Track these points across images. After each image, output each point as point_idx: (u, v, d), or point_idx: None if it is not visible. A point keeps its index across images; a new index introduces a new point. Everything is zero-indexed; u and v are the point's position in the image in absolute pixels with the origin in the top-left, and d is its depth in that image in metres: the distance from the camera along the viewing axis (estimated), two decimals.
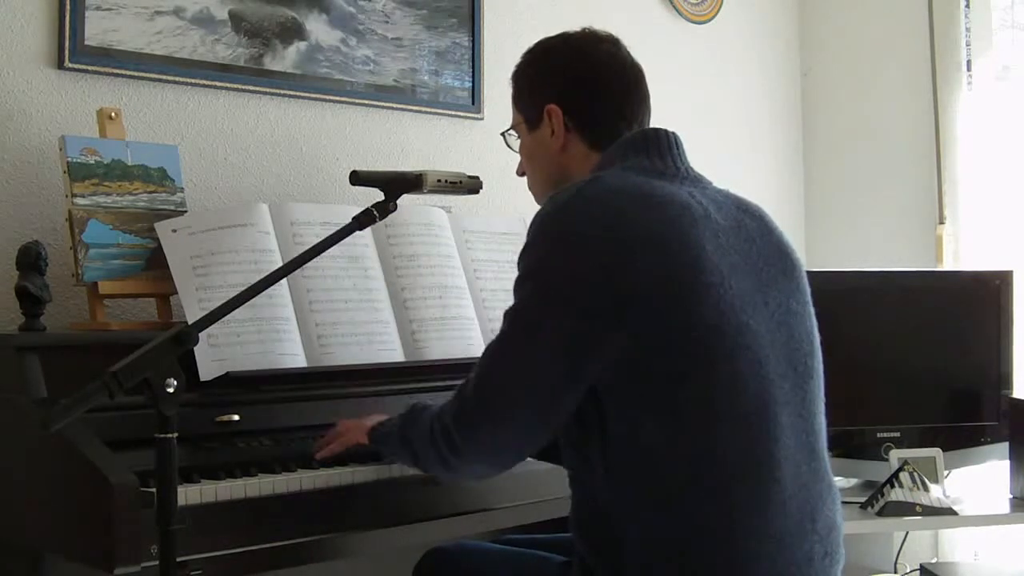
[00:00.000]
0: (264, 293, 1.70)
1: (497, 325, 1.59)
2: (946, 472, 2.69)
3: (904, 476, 2.55)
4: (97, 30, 2.25)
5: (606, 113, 1.72)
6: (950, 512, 2.53)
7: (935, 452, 2.67)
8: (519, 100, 1.82)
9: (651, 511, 1.48)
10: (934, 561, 3.00)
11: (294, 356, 2.01)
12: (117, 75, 2.29)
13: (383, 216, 1.86)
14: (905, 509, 2.51)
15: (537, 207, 1.62)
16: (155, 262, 2.04)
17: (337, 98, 2.63)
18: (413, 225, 2.27)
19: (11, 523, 1.82)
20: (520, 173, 1.86)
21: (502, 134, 1.88)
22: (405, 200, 1.94)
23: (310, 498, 1.78)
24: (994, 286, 2.86)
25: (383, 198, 1.88)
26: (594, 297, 1.48)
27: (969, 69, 3.36)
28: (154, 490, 1.44)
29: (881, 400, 2.83)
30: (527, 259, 1.56)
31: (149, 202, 2.10)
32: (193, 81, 2.40)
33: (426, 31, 2.79)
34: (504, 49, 2.78)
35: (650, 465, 1.48)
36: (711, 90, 3.52)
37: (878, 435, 2.77)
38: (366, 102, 2.68)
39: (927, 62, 3.45)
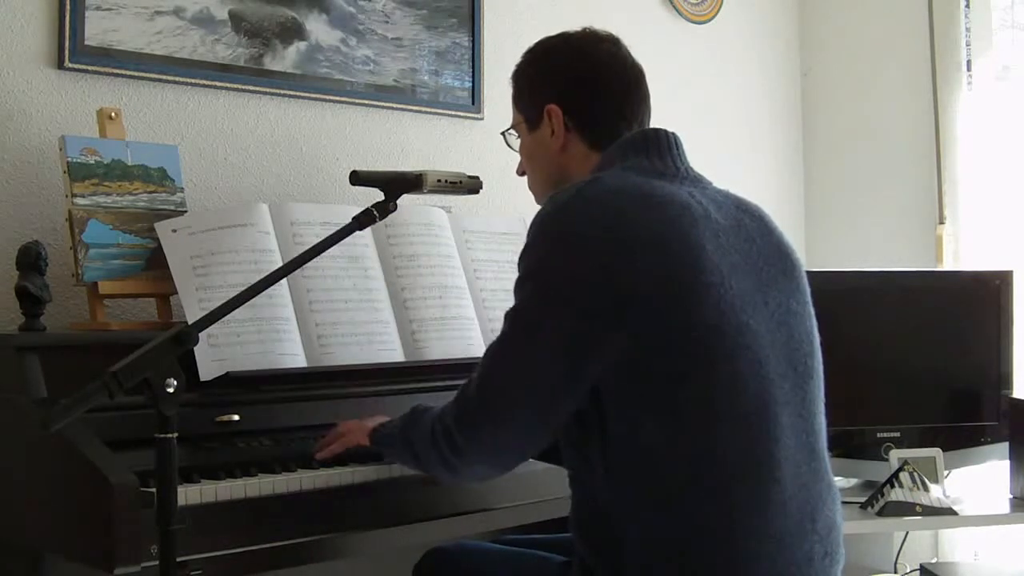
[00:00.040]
0: (264, 293, 1.70)
1: (497, 325, 1.59)
2: (946, 472, 2.69)
3: (904, 476, 2.54)
4: (97, 30, 2.25)
5: (606, 113, 1.72)
6: (950, 512, 2.53)
7: (935, 452, 2.67)
8: (519, 100, 1.82)
9: (651, 511, 1.48)
10: (934, 561, 3.00)
11: (294, 356, 2.01)
12: (117, 75, 2.29)
13: (383, 216, 1.86)
14: (905, 509, 2.51)
15: (537, 207, 1.62)
16: (155, 262, 2.04)
17: (337, 98, 2.63)
18: (413, 225, 2.27)
19: (11, 523, 1.82)
20: (520, 173, 1.86)
21: (502, 134, 1.88)
22: (405, 200, 1.94)
23: (310, 498, 1.78)
24: (994, 286, 2.85)
25: (383, 198, 1.88)
26: (594, 297, 1.47)
27: (969, 69, 3.36)
28: (154, 490, 1.44)
29: (881, 400, 2.83)
30: (527, 260, 1.56)
31: (149, 202, 2.10)
32: (193, 81, 2.39)
33: (426, 31, 2.79)
34: (504, 49, 2.77)
35: (650, 465, 1.48)
36: (711, 90, 3.52)
37: (878, 435, 2.77)
38: (366, 102, 2.68)
39: (927, 62, 3.45)
